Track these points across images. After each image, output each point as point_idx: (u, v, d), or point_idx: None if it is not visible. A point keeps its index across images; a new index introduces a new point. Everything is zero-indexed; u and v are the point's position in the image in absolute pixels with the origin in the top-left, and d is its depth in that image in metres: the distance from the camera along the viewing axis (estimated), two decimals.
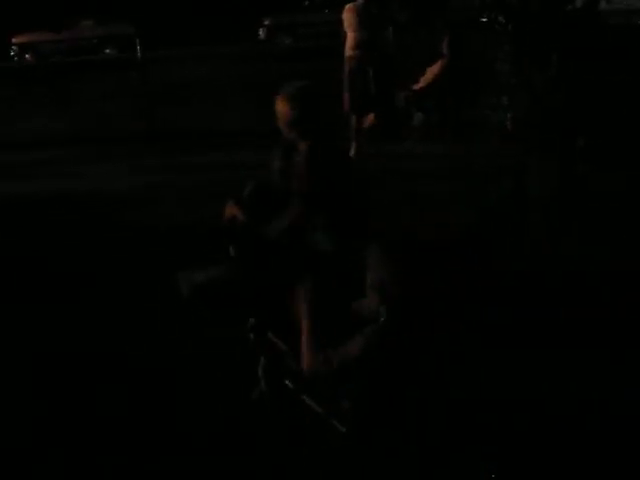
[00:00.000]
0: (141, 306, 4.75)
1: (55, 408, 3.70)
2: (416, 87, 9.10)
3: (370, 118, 8.46)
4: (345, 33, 8.31)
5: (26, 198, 7.52)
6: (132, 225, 6.40)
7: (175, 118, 10.79)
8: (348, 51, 8.25)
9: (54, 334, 4.46)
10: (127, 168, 8.56)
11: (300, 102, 3.27)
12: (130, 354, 4.19)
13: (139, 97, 10.58)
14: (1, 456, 3.36)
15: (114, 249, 5.80)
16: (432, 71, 8.96)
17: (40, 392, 3.87)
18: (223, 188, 3.75)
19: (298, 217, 3.26)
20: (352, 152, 8.25)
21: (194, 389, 3.78)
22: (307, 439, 3.09)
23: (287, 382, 3.03)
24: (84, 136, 10.48)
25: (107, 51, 22.95)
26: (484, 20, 6.23)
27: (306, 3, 23.75)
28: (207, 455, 3.28)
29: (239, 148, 8.80)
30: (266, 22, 23.12)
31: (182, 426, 3.48)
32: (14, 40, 23.21)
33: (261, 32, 23.18)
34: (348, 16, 8.20)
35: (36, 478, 3.26)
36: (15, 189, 7.86)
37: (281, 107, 3.30)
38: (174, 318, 4.50)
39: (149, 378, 3.92)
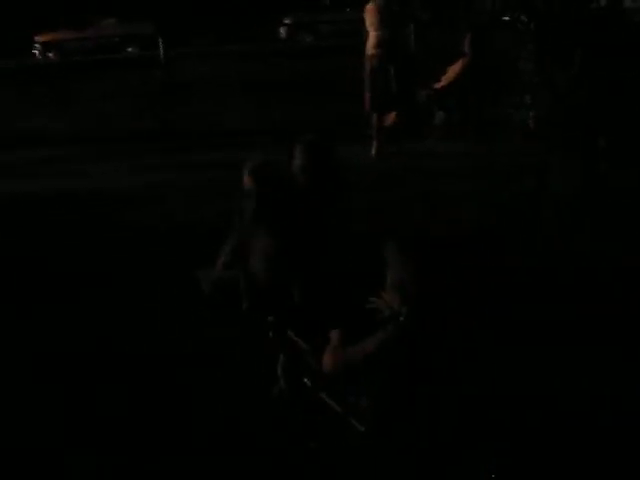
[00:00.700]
0: (142, 305, 4.74)
1: (56, 408, 3.69)
2: (438, 86, 9.06)
3: (391, 117, 8.44)
4: (367, 32, 8.30)
5: (27, 197, 7.53)
6: (133, 224, 6.41)
7: (191, 116, 10.82)
8: (369, 50, 8.23)
9: (55, 333, 4.46)
10: (138, 166, 8.60)
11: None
12: (131, 353, 4.18)
13: (160, 95, 10.62)
14: (1, 455, 3.37)
15: (115, 248, 5.80)
16: (454, 70, 8.92)
17: (41, 392, 3.86)
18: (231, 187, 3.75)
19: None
20: (373, 151, 8.25)
21: (196, 389, 3.77)
22: (325, 438, 3.09)
23: (306, 380, 3.03)
24: (102, 135, 10.53)
25: (129, 49, 23.12)
26: (507, 19, 6.19)
27: (327, 2, 23.75)
28: (220, 455, 3.29)
29: (252, 146, 8.82)
30: (287, 21, 23.14)
31: (189, 426, 3.47)
32: (37, 38, 23.44)
33: (282, 31, 23.21)
34: (370, 14, 8.19)
35: (37, 477, 3.26)
36: (16, 188, 7.88)
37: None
38: (175, 317, 4.53)
39: (150, 378, 3.91)
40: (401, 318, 2.50)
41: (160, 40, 10.72)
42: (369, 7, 8.22)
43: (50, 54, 23.23)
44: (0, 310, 4.84)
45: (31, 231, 6.41)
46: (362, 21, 8.45)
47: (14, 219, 6.87)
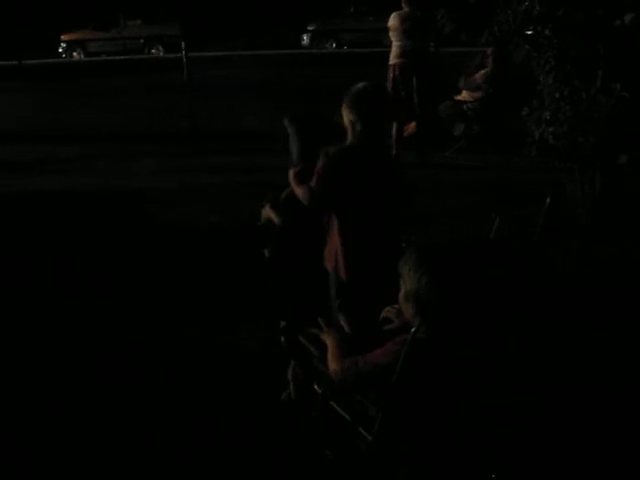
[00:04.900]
0: (160, 306, 4.78)
1: (62, 406, 3.70)
2: (458, 97, 9.06)
3: (411, 126, 8.45)
4: (390, 41, 8.32)
5: (56, 194, 7.59)
6: (162, 223, 6.45)
7: (214, 119, 10.86)
8: (392, 59, 8.25)
9: (80, 329, 4.51)
10: (164, 167, 8.66)
11: None
12: (143, 354, 4.21)
13: (180, 97, 10.68)
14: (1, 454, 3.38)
15: (141, 247, 5.84)
16: (475, 81, 8.92)
17: (61, 387, 3.90)
18: (257, 190, 3.78)
19: None
20: None
21: (206, 393, 3.78)
22: (333, 445, 3.09)
23: (316, 387, 3.03)
24: (123, 134, 10.59)
25: (153, 51, 23.27)
26: (529, 33, 6.16)
27: (351, 10, 23.77)
28: (229, 460, 3.30)
29: (274, 151, 8.82)
30: (310, 28, 23.17)
31: (199, 431, 3.47)
32: (63, 37, 23.65)
33: (305, 38, 23.24)
34: (393, 24, 8.21)
35: (37, 477, 3.27)
36: (45, 184, 7.95)
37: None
38: (192, 319, 4.57)
39: (160, 380, 3.93)
40: (413, 330, 2.50)
41: (182, 43, 10.74)
42: (393, 17, 8.24)
43: (75, 53, 23.44)
44: (27, 304, 4.87)
45: (58, 229, 6.41)
46: (385, 30, 8.46)
47: (41, 216, 6.91)
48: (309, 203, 3.29)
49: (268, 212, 3.52)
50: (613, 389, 3.65)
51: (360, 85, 3.37)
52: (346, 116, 3.35)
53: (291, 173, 3.39)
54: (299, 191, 3.33)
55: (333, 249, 3.37)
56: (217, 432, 3.46)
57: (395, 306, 2.85)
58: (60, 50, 23.54)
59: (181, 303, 4.80)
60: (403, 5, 8.20)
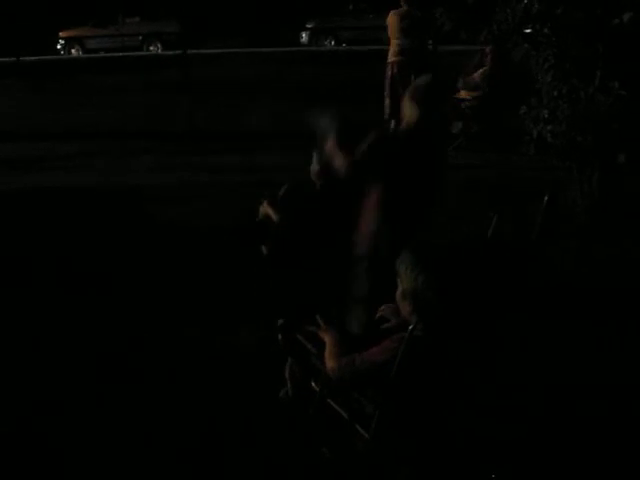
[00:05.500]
0: (158, 305, 4.77)
1: (62, 406, 3.70)
2: (457, 96, 9.06)
3: None
4: (389, 39, 8.32)
5: (55, 191, 7.57)
6: (160, 222, 6.44)
7: (213, 117, 10.84)
8: (391, 57, 8.25)
9: (80, 328, 4.50)
10: (162, 164, 8.65)
11: None
12: (141, 353, 4.20)
13: (179, 95, 10.66)
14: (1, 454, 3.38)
15: (140, 245, 5.83)
16: (473, 80, 8.92)
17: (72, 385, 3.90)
18: (256, 188, 3.78)
19: None
20: None
21: (203, 391, 3.78)
22: (331, 443, 3.09)
23: (313, 384, 3.03)
24: (121, 131, 10.57)
25: (151, 48, 23.23)
26: (528, 31, 6.16)
27: (350, 8, 23.75)
28: (226, 458, 3.30)
29: (273, 149, 8.82)
30: (309, 25, 23.13)
31: (196, 429, 3.47)
32: (61, 34, 23.60)
33: (303, 35, 23.20)
34: (392, 22, 8.21)
35: (37, 477, 3.26)
36: (46, 181, 7.92)
37: None
38: (190, 318, 4.56)
39: (158, 379, 3.93)
40: (410, 328, 2.50)
41: (182, 40, 10.73)
42: (392, 15, 8.24)
43: (73, 50, 23.41)
44: (26, 302, 4.87)
45: (57, 226, 6.40)
46: (384, 28, 8.46)
47: (40, 214, 6.89)
48: (346, 173, 3.29)
49: (266, 209, 3.52)
50: (613, 389, 3.65)
51: (424, 78, 3.42)
52: (410, 109, 3.35)
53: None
54: (340, 160, 3.33)
55: (367, 232, 3.38)
56: (215, 430, 3.45)
57: (391, 305, 2.85)
58: (58, 47, 23.50)
59: (180, 302, 4.79)
60: (402, 3, 8.20)
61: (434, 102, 3.37)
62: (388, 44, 8.39)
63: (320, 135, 3.46)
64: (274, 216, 3.48)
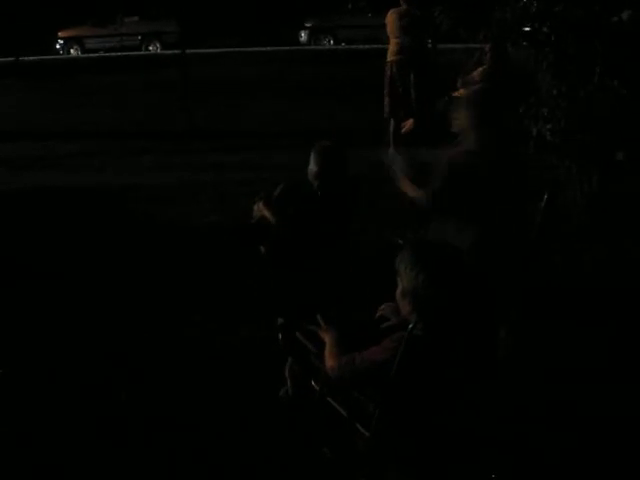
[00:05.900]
0: (158, 304, 4.78)
1: (62, 406, 3.69)
2: (456, 94, 9.05)
3: (409, 123, 8.44)
4: (388, 38, 8.32)
5: (55, 191, 7.58)
6: (160, 221, 6.44)
7: (212, 116, 10.85)
8: (390, 56, 8.25)
9: (72, 328, 4.49)
10: (162, 164, 8.65)
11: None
12: (141, 352, 4.21)
13: (179, 94, 10.67)
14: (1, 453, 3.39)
15: (140, 245, 5.83)
16: (473, 78, 8.91)
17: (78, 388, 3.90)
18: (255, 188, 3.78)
19: None
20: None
21: (203, 391, 3.79)
22: (331, 442, 3.10)
23: (313, 383, 3.03)
24: (121, 130, 10.57)
25: (150, 48, 23.23)
26: (527, 30, 6.17)
27: (349, 6, 23.73)
28: (227, 457, 3.30)
29: (273, 148, 8.82)
30: (308, 24, 23.12)
31: (196, 428, 3.48)
32: (60, 34, 23.59)
33: (302, 34, 23.19)
34: (391, 21, 8.21)
35: (37, 476, 3.27)
36: (45, 181, 7.94)
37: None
38: (191, 317, 4.56)
39: (157, 378, 3.93)
40: (410, 327, 2.50)
41: (181, 39, 10.75)
42: (391, 13, 8.24)
43: (72, 50, 23.40)
44: (26, 301, 4.87)
45: (57, 226, 6.40)
46: (383, 27, 8.46)
47: (40, 213, 6.89)
48: (428, 205, 3.31)
49: (261, 209, 3.52)
50: (613, 389, 3.65)
51: (479, 88, 3.38)
52: (465, 119, 3.32)
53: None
54: (415, 194, 3.33)
55: None
56: (215, 430, 3.46)
57: (391, 303, 2.86)
58: (57, 46, 23.49)
59: (180, 302, 4.79)
60: (401, 2, 8.19)
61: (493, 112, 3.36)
62: (387, 43, 8.39)
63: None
64: (270, 217, 3.48)
